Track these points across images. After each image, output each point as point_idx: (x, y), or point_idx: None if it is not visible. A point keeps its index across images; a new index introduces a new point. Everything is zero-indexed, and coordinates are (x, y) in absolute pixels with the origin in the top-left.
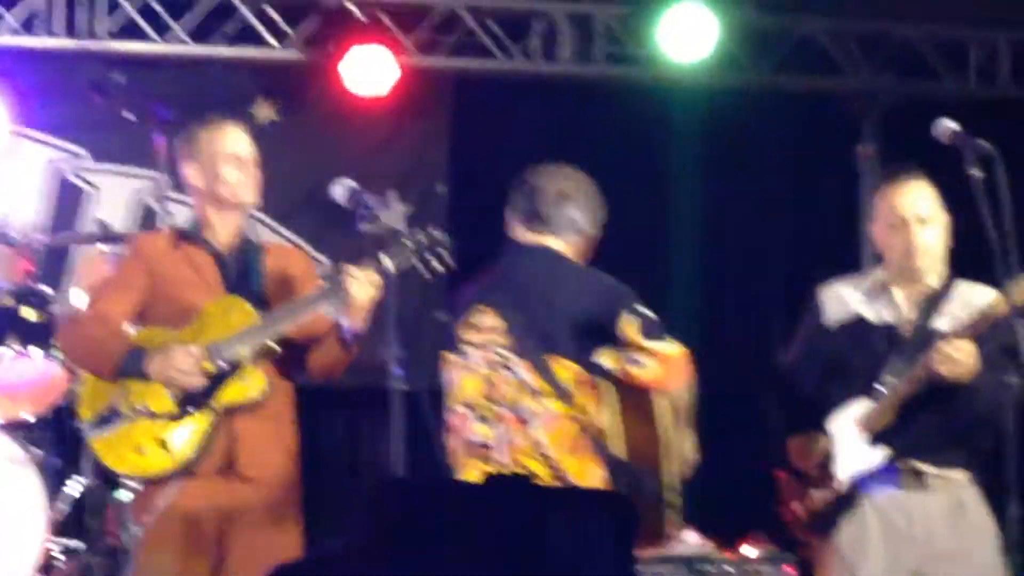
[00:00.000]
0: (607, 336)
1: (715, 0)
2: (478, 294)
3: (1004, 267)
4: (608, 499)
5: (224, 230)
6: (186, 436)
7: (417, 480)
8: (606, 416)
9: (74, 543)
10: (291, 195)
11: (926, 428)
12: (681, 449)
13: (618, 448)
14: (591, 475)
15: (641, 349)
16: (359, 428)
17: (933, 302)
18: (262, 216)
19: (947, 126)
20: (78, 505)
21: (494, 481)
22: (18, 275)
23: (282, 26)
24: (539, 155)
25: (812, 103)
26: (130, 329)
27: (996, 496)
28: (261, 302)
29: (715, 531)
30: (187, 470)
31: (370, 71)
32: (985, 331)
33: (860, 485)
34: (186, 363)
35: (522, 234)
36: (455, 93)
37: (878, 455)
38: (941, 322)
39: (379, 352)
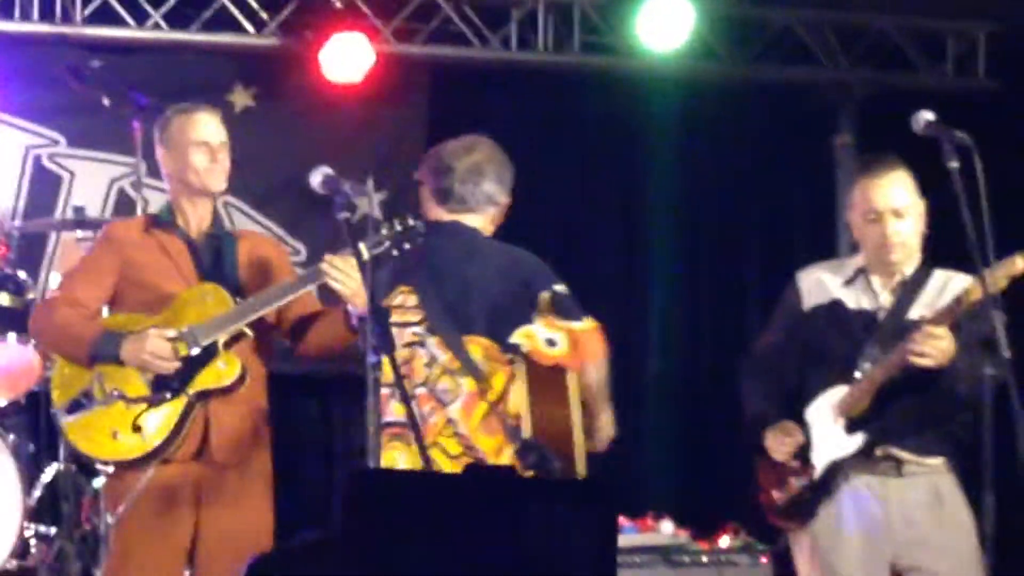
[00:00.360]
0: (523, 314)
1: None
2: (396, 275)
3: (981, 256)
4: (589, 489)
5: (196, 217)
6: (160, 421)
7: (393, 470)
8: (519, 395)
9: (48, 528)
10: (268, 182)
11: (903, 414)
12: (597, 426)
13: (527, 427)
14: (505, 453)
15: (554, 327)
16: (332, 415)
17: (910, 290)
18: (238, 202)
19: (924, 117)
20: (52, 490)
21: (471, 471)
22: None
23: (260, 13)
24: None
25: (789, 93)
26: (103, 314)
27: (972, 485)
28: (235, 289)
29: (691, 520)
30: (161, 455)
31: (348, 58)
32: (961, 318)
33: (837, 471)
34: (161, 348)
35: (437, 212)
36: (432, 81)
37: (855, 441)
38: (917, 310)
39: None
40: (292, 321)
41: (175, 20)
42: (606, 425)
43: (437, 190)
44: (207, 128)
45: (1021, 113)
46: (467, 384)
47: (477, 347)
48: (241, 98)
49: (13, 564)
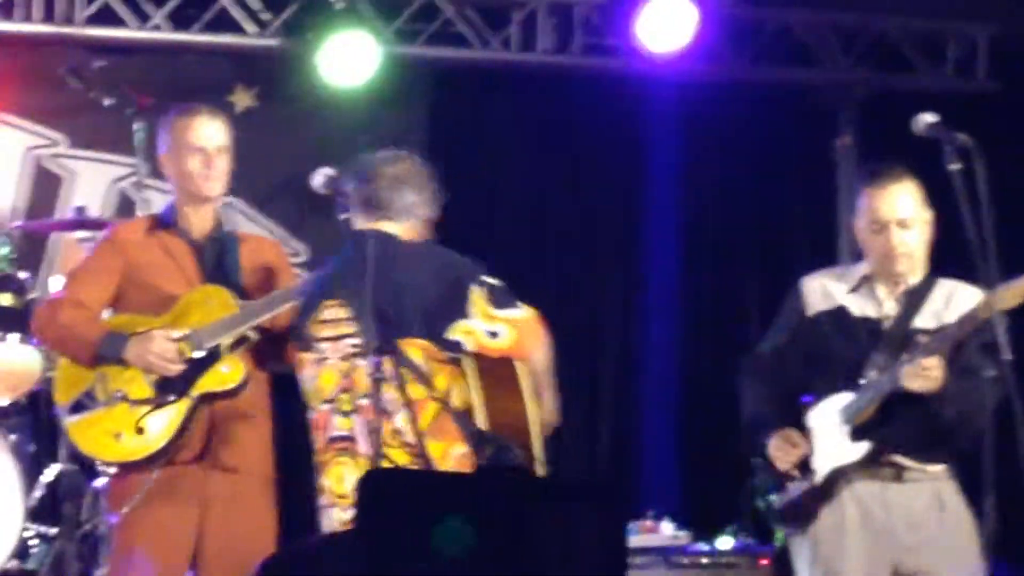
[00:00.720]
0: (457, 311)
1: None
2: (323, 289)
3: (982, 259)
4: (600, 491)
5: (199, 219)
6: (164, 423)
7: (406, 470)
8: (471, 392)
9: (49, 529)
10: (269, 182)
11: (907, 424)
12: (543, 413)
13: (483, 422)
14: (454, 455)
15: (493, 319)
16: None
17: (915, 300)
18: (239, 203)
19: (925, 119)
20: (53, 491)
21: (481, 472)
22: None
23: (261, 14)
24: (516, 144)
25: (789, 94)
26: (105, 315)
27: (973, 489)
28: (238, 291)
29: (691, 522)
30: (164, 457)
31: (349, 59)
32: (968, 336)
33: (839, 477)
34: (167, 349)
35: (360, 222)
36: (434, 82)
37: (860, 448)
38: (922, 320)
39: None
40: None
41: (177, 21)
42: (549, 411)
43: (361, 197)
44: (204, 132)
45: (1022, 115)
46: (411, 390)
47: (416, 350)
48: (242, 99)
49: (14, 564)
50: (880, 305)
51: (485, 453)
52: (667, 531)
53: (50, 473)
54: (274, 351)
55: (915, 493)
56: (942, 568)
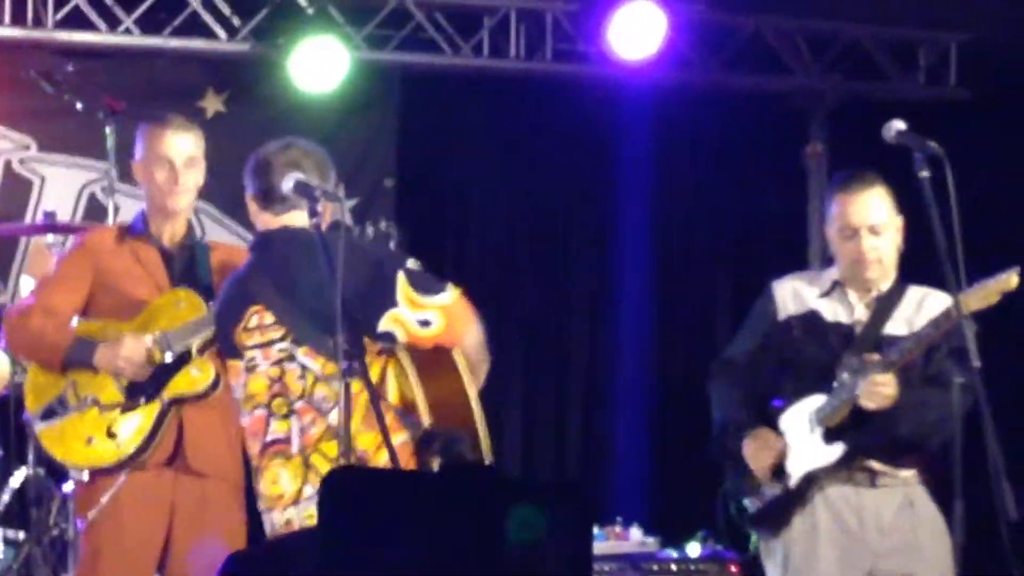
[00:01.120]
0: (383, 300)
1: None
2: (243, 296)
3: (951, 266)
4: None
5: (169, 226)
6: (135, 427)
7: (373, 468)
8: (411, 386)
9: (17, 533)
10: (238, 187)
11: (878, 429)
12: (479, 386)
13: (425, 414)
14: (382, 449)
15: (422, 308)
16: None
17: (886, 305)
18: (209, 207)
19: (896, 126)
20: (21, 496)
21: (450, 470)
22: None
23: (232, 19)
24: (487, 150)
25: (760, 101)
26: (74, 321)
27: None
28: (208, 297)
29: (659, 528)
30: (135, 461)
31: (319, 65)
32: (938, 339)
33: (812, 481)
34: (136, 354)
35: (265, 220)
36: (404, 88)
37: (835, 452)
38: (893, 325)
39: None
40: None
41: (147, 25)
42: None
43: (259, 192)
44: (172, 144)
45: (992, 123)
46: (352, 386)
47: (346, 346)
48: (213, 103)
49: None
50: (852, 310)
51: (435, 447)
52: (636, 537)
53: (18, 478)
54: None
55: (887, 498)
56: (916, 569)
